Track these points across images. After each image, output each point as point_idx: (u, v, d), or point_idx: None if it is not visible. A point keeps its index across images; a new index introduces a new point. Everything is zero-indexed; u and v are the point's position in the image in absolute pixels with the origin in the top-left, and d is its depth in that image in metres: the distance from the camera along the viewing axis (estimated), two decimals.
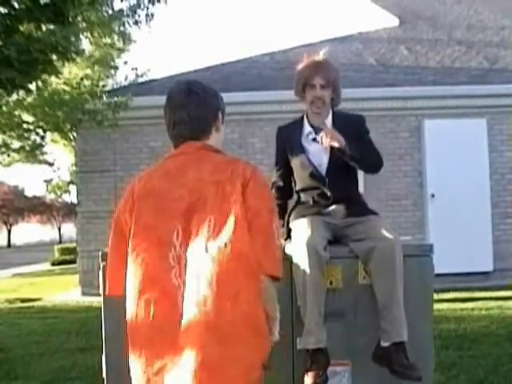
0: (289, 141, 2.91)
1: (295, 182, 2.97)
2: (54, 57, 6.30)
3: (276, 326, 1.86)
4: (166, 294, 1.68)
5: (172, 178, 1.80)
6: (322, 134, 2.70)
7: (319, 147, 2.83)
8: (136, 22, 8.57)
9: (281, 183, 2.98)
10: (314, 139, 2.84)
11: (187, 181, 1.77)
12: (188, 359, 1.60)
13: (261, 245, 1.73)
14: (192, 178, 1.78)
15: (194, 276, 1.66)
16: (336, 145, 2.66)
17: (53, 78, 7.78)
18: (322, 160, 2.82)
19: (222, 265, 1.66)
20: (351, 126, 2.86)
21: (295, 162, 2.88)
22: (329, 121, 2.86)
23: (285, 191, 2.99)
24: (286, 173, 2.97)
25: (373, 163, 2.85)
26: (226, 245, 1.67)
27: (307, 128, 2.88)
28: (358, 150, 2.72)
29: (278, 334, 1.88)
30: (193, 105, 1.87)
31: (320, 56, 2.90)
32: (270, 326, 1.82)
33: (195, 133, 1.88)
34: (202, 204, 1.73)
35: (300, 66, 2.89)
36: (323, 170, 2.82)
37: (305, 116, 2.92)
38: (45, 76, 6.69)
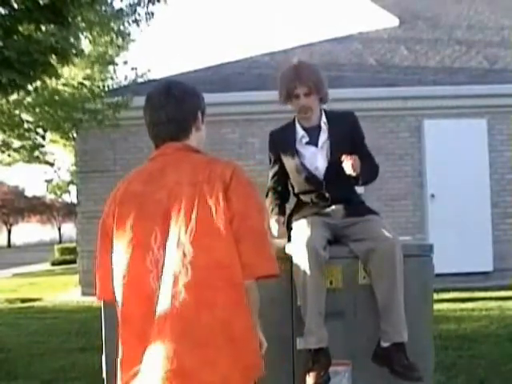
0: (282, 145, 2.89)
1: (292, 185, 2.97)
2: (54, 59, 6.30)
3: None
4: (144, 297, 1.67)
5: (153, 180, 1.79)
6: (348, 162, 2.63)
7: (313, 150, 2.82)
8: (136, 21, 8.57)
9: (278, 188, 2.97)
10: (308, 143, 2.84)
11: (167, 183, 1.76)
12: (161, 364, 1.58)
13: (252, 247, 1.69)
14: (171, 179, 1.76)
15: (171, 281, 1.63)
16: (353, 174, 2.65)
17: (52, 79, 7.77)
18: (317, 163, 2.81)
19: (199, 271, 1.62)
20: (345, 124, 2.86)
21: (290, 167, 2.87)
22: (323, 121, 2.85)
23: (282, 195, 2.98)
24: (282, 177, 2.95)
25: (371, 178, 2.86)
26: (203, 251, 1.64)
27: (300, 132, 2.85)
28: (361, 168, 2.68)
29: (264, 341, 1.83)
30: (171, 105, 1.85)
31: (296, 61, 2.85)
32: (260, 338, 1.78)
33: (175, 133, 1.86)
34: (179, 207, 1.70)
35: (280, 76, 2.86)
36: (320, 173, 2.80)
37: (296, 119, 2.90)
38: (44, 77, 6.67)
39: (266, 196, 3.00)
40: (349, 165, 2.62)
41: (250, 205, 1.73)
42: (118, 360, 1.72)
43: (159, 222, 1.70)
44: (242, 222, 1.69)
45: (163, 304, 1.62)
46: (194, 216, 1.67)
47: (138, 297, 1.68)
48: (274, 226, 2.80)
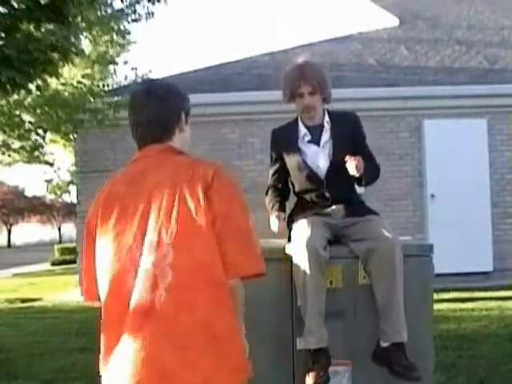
0: (284, 143, 2.89)
1: (293, 184, 2.97)
2: (54, 56, 6.30)
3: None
4: (124, 298, 1.65)
5: (134, 181, 1.78)
6: (352, 163, 2.63)
7: (315, 149, 2.82)
8: (135, 20, 8.57)
9: (279, 185, 2.98)
10: (310, 141, 2.84)
11: (148, 184, 1.74)
12: (142, 366, 1.57)
13: (238, 247, 1.68)
14: (152, 181, 1.74)
15: (151, 282, 1.62)
16: (357, 175, 2.65)
17: (53, 79, 7.77)
18: (318, 162, 2.81)
19: (180, 273, 1.61)
20: (347, 124, 2.87)
21: (291, 165, 2.87)
22: (326, 120, 2.85)
23: (282, 192, 2.99)
24: (283, 175, 2.96)
25: (373, 179, 2.86)
26: (184, 252, 1.62)
27: (302, 130, 2.86)
28: (364, 168, 2.67)
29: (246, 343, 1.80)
30: (153, 106, 1.82)
31: (301, 61, 2.84)
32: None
33: (158, 135, 1.84)
34: (160, 208, 1.68)
35: (284, 75, 2.86)
36: (321, 171, 2.81)
37: (299, 118, 2.90)
38: (45, 76, 6.67)
39: (266, 193, 3.00)
40: (353, 165, 2.62)
41: (233, 205, 1.71)
42: (100, 358, 1.71)
43: (139, 223, 1.69)
44: (225, 223, 1.67)
45: (143, 305, 1.61)
46: (174, 216, 1.65)
47: (118, 297, 1.67)
48: (275, 221, 2.80)
